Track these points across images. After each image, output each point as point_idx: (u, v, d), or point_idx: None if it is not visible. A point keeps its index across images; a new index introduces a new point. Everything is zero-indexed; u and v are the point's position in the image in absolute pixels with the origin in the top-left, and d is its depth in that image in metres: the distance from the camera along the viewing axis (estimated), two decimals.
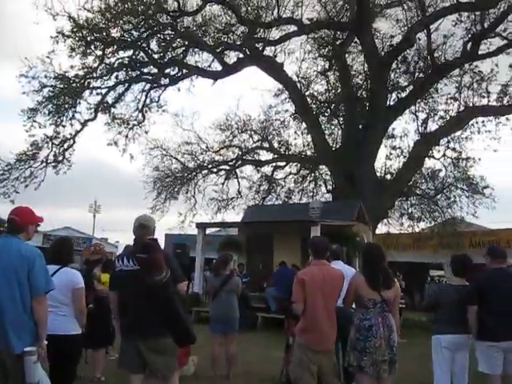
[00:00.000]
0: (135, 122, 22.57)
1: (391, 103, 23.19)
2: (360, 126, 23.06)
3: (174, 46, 21.83)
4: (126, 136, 22.47)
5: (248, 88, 51.00)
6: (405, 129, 24.72)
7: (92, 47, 19.79)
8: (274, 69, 22.61)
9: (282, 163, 26.45)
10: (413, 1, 21.92)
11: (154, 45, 21.71)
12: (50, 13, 19.16)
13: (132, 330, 5.18)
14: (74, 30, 19.09)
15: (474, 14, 21.20)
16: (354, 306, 6.17)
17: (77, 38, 19.26)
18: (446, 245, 22.63)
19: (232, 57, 23.22)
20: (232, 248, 18.42)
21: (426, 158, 23.05)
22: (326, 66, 25.11)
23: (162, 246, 26.46)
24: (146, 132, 23.24)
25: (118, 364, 5.49)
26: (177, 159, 25.47)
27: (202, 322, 14.07)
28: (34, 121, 19.32)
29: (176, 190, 25.08)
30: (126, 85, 21.86)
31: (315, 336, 5.79)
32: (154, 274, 4.89)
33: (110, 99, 21.70)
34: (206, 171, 25.63)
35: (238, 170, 26.33)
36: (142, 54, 21.38)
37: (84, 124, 20.66)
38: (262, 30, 22.31)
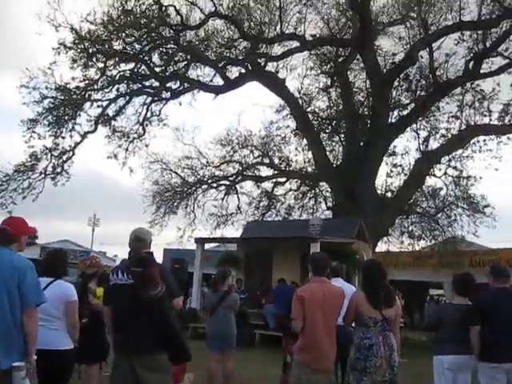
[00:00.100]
0: (135, 136, 22.56)
1: (393, 121, 23.22)
2: (361, 143, 23.05)
3: (176, 59, 21.83)
4: (126, 149, 22.47)
5: (249, 103, 51.08)
6: (406, 146, 24.86)
7: (94, 59, 19.83)
8: (276, 84, 22.60)
9: (283, 179, 26.35)
10: (415, 19, 22.01)
11: (156, 58, 21.79)
12: (53, 24, 19.23)
13: (126, 345, 5.01)
14: (76, 41, 19.11)
15: (476, 33, 21.30)
16: (353, 324, 6.04)
17: (79, 50, 19.30)
18: (446, 264, 22.50)
19: (234, 72, 23.29)
20: (231, 264, 18.23)
21: (427, 176, 23.00)
22: (328, 83, 25.15)
23: (161, 260, 26.53)
24: (147, 145, 23.28)
25: (110, 380, 5.33)
26: (177, 173, 25.37)
27: (198, 338, 13.91)
28: (34, 132, 19.36)
29: (175, 204, 24.97)
30: (127, 98, 21.86)
31: (314, 354, 5.63)
32: (149, 288, 4.73)
33: (110, 112, 21.76)
34: (205, 186, 25.53)
35: (238, 186, 26.23)
36: (143, 67, 21.41)
37: (84, 136, 20.64)
38: (264, 46, 22.33)
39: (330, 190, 24.61)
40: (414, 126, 23.56)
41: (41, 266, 5.80)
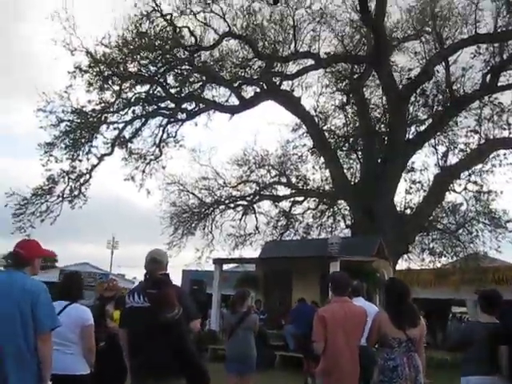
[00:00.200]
0: (152, 157, 22.60)
1: (410, 136, 23.08)
2: (379, 160, 22.88)
3: (191, 80, 21.86)
4: (143, 171, 22.51)
5: (265, 122, 51.15)
6: (424, 162, 24.49)
7: (109, 82, 19.93)
8: (292, 103, 22.56)
9: (300, 198, 26.19)
10: (430, 33, 21.91)
11: (171, 79, 21.89)
12: (68, 48, 19.37)
13: (142, 369, 4.88)
14: (92, 64, 19.23)
15: (492, 46, 21.19)
16: (376, 345, 5.85)
17: (94, 73, 19.41)
18: (468, 280, 22.12)
19: (249, 91, 23.29)
20: (249, 284, 18.09)
21: (447, 192, 22.76)
22: (344, 100, 25.04)
23: (179, 282, 26.41)
24: (163, 167, 23.29)
25: None
26: (194, 194, 25.33)
27: (218, 360, 13.70)
28: (51, 155, 19.46)
29: (193, 225, 24.89)
30: (143, 119, 21.91)
31: (336, 376, 5.45)
32: (165, 310, 4.60)
33: (127, 134, 21.83)
34: (223, 206, 25.46)
35: (255, 206, 26.12)
36: (159, 88, 21.50)
37: (100, 158, 20.71)
38: (279, 65, 22.37)
39: (348, 208, 24.44)
40: (432, 141, 23.43)
41: (57, 289, 5.71)
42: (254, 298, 17.30)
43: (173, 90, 21.75)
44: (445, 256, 23.69)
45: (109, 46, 19.60)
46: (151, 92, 21.36)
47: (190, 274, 26.87)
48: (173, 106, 22.00)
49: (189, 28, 21.04)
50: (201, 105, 22.68)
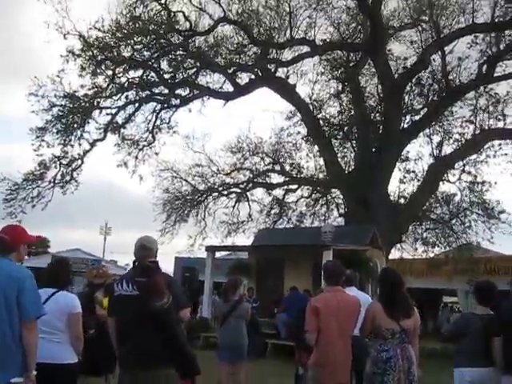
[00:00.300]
0: (145, 143, 22.47)
1: (405, 126, 22.95)
2: (373, 149, 22.75)
3: (185, 66, 21.67)
4: (136, 157, 22.37)
5: (260, 110, 50.88)
6: (419, 152, 24.37)
7: (102, 67, 19.73)
8: (287, 90, 22.42)
9: (294, 186, 26.07)
10: (427, 22, 21.75)
11: (164, 65, 21.72)
12: (61, 32, 19.17)
13: (130, 359, 4.77)
14: (85, 48, 19.01)
15: (489, 36, 21.04)
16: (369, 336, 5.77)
17: (87, 57, 19.20)
18: (460, 271, 22.13)
19: (244, 78, 23.10)
20: (242, 272, 18.06)
21: (441, 182, 22.70)
22: (339, 89, 24.88)
23: (172, 269, 26.39)
24: (157, 153, 23.16)
25: None
26: (187, 181, 25.19)
27: (210, 347, 13.66)
28: (43, 140, 19.27)
29: (186, 212, 24.78)
30: (136, 105, 21.73)
31: (329, 368, 5.36)
32: (155, 299, 4.48)
33: (119, 119, 21.67)
34: (216, 194, 25.36)
35: (248, 193, 26.01)
36: (152, 73, 21.32)
37: (93, 144, 20.57)
38: (274, 51, 22.18)
39: (342, 196, 24.37)
40: (426, 131, 23.30)
41: (44, 275, 5.59)
42: (246, 285, 17.33)
43: (166, 76, 21.59)
44: (438, 246, 23.71)
45: (102, 30, 19.41)
46: (144, 77, 21.18)
47: (182, 261, 26.84)
48: (166, 91, 21.82)
49: (183, 13, 20.84)
50: (195, 91, 22.51)
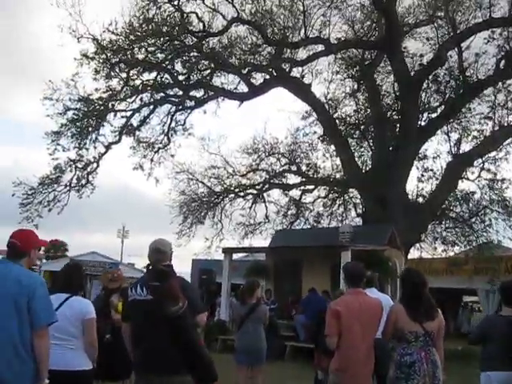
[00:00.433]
0: (160, 146, 22.39)
1: (422, 124, 22.64)
2: (390, 148, 22.49)
3: (199, 67, 21.58)
4: (152, 160, 22.32)
5: (275, 110, 50.81)
6: (437, 150, 24.04)
7: (116, 69, 19.68)
8: (302, 90, 22.24)
9: (311, 187, 25.87)
10: (443, 18, 21.49)
11: (178, 66, 21.59)
12: (75, 35, 19.15)
13: (145, 364, 4.64)
14: (98, 51, 18.98)
15: (507, 31, 20.72)
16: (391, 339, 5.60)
17: (101, 60, 19.16)
18: (481, 270, 21.87)
19: (258, 78, 22.92)
20: (259, 274, 17.96)
21: (460, 180, 22.38)
22: (355, 87, 24.67)
23: (189, 271, 26.36)
24: (172, 156, 23.06)
25: None
26: (203, 183, 25.10)
27: (228, 351, 13.54)
28: (58, 144, 19.28)
29: (202, 214, 24.70)
30: (151, 107, 21.67)
31: (352, 373, 5.20)
32: (169, 303, 4.34)
33: (134, 122, 21.61)
34: (232, 195, 25.23)
35: (265, 194, 25.84)
36: (166, 75, 21.24)
37: (108, 147, 20.56)
38: (288, 51, 22.01)
39: (359, 196, 24.15)
40: (444, 128, 23.02)
41: (57, 280, 5.49)
42: (263, 287, 17.24)
43: (181, 77, 21.47)
44: (457, 245, 23.45)
45: (115, 33, 19.34)
46: (159, 79, 21.12)
47: (199, 263, 26.83)
48: (181, 93, 21.74)
49: (197, 14, 20.72)
50: (209, 92, 22.38)
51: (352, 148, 23.93)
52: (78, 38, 19.09)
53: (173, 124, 22.40)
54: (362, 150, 25.03)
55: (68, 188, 19.78)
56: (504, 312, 5.98)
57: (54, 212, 19.63)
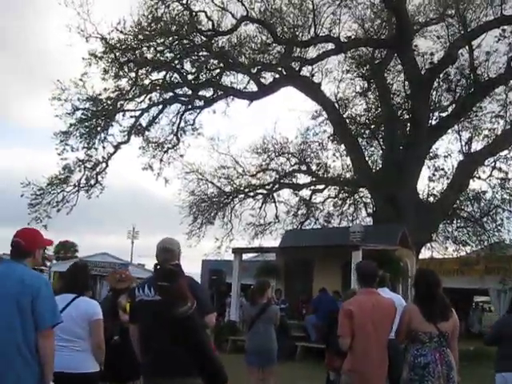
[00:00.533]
0: (170, 146, 22.30)
1: (433, 122, 22.53)
2: (401, 147, 22.31)
3: (208, 67, 21.51)
4: (161, 160, 22.23)
5: (285, 109, 50.77)
6: (448, 149, 23.88)
7: (125, 69, 19.63)
8: (312, 89, 22.13)
9: (321, 186, 25.71)
10: (453, 17, 21.35)
11: (187, 65, 21.51)
12: (83, 35, 19.13)
13: (153, 367, 4.54)
14: (106, 51, 18.95)
15: None
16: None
17: (109, 60, 19.13)
18: (492, 270, 21.70)
19: (268, 77, 22.81)
20: (270, 274, 17.90)
21: (471, 179, 22.22)
22: (365, 86, 24.52)
23: (199, 271, 26.35)
24: (182, 156, 22.99)
25: None
26: (213, 183, 24.98)
27: (238, 351, 13.46)
28: (67, 144, 19.26)
29: (212, 214, 24.57)
30: (160, 107, 21.61)
31: (365, 375, 5.09)
32: (177, 304, 4.23)
33: (143, 122, 21.57)
34: (242, 195, 25.11)
35: (275, 194, 25.69)
36: (175, 75, 21.19)
37: (117, 147, 20.50)
38: (298, 50, 21.91)
39: (369, 195, 23.99)
40: (455, 127, 22.87)
41: (63, 281, 5.41)
42: (273, 287, 17.16)
43: (190, 77, 21.39)
44: (469, 245, 23.30)
45: (124, 32, 19.33)
46: (168, 78, 21.06)
47: (209, 263, 26.81)
48: (190, 92, 21.66)
49: (205, 12, 20.64)
50: (219, 91, 22.30)
51: (362, 147, 23.79)
52: (86, 38, 19.09)
53: (182, 124, 22.35)
54: (373, 149, 24.92)
55: (77, 188, 19.74)
56: None
57: (64, 213, 19.64)
